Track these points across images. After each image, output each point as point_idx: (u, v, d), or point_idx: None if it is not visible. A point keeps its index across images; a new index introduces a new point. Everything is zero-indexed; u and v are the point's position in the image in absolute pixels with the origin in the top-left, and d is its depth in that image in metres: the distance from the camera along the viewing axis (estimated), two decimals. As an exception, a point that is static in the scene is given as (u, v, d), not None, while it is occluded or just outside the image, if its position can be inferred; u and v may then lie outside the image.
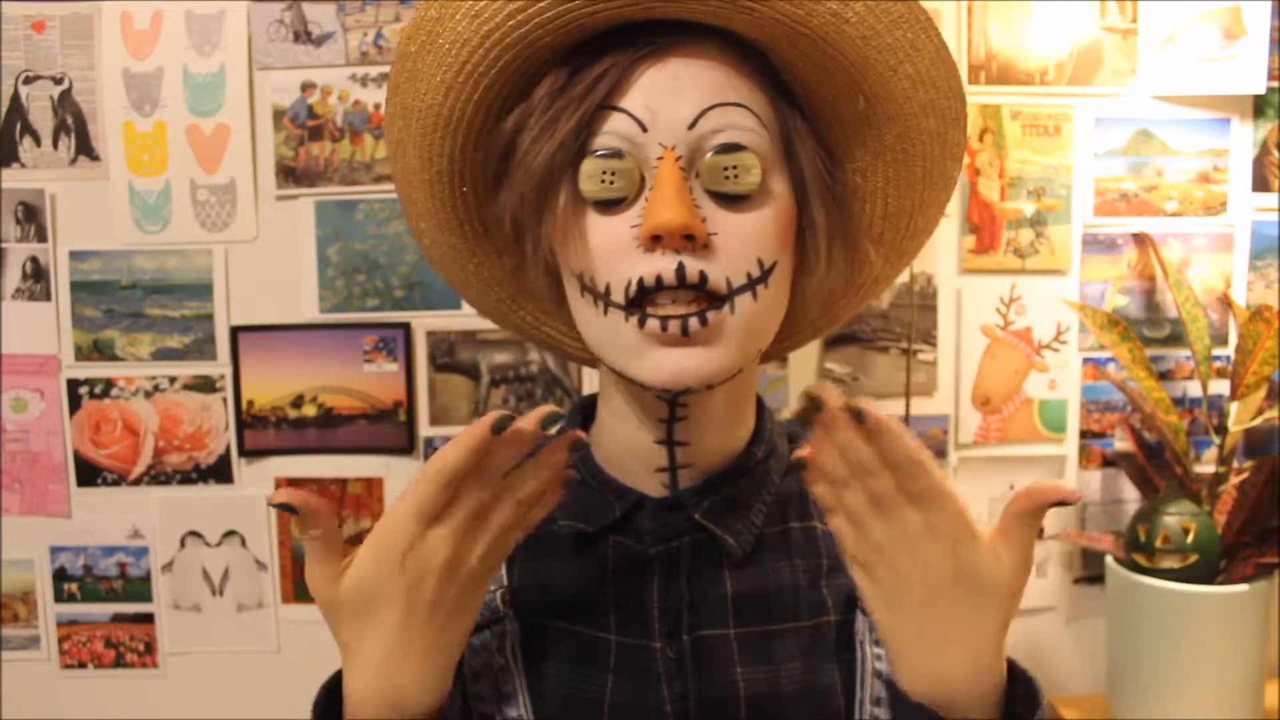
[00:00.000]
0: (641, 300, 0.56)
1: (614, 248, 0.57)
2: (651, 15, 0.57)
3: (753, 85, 0.59)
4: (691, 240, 0.55)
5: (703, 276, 0.55)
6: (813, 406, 0.53)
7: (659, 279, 0.55)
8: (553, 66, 0.59)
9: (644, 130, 0.56)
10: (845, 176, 0.64)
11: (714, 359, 0.57)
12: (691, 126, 0.56)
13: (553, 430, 0.56)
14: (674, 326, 0.55)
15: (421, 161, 0.64)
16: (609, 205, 0.57)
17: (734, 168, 0.56)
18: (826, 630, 0.64)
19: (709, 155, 0.57)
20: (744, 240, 0.57)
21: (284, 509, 0.52)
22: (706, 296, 0.56)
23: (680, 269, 0.55)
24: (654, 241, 0.55)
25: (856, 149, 0.64)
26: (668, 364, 0.56)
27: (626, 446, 0.66)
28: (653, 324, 0.56)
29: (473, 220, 0.67)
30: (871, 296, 0.72)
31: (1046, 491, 0.50)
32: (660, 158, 0.56)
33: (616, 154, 0.57)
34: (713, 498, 0.65)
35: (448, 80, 0.59)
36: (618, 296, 0.57)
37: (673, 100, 0.56)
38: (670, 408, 0.62)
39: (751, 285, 0.57)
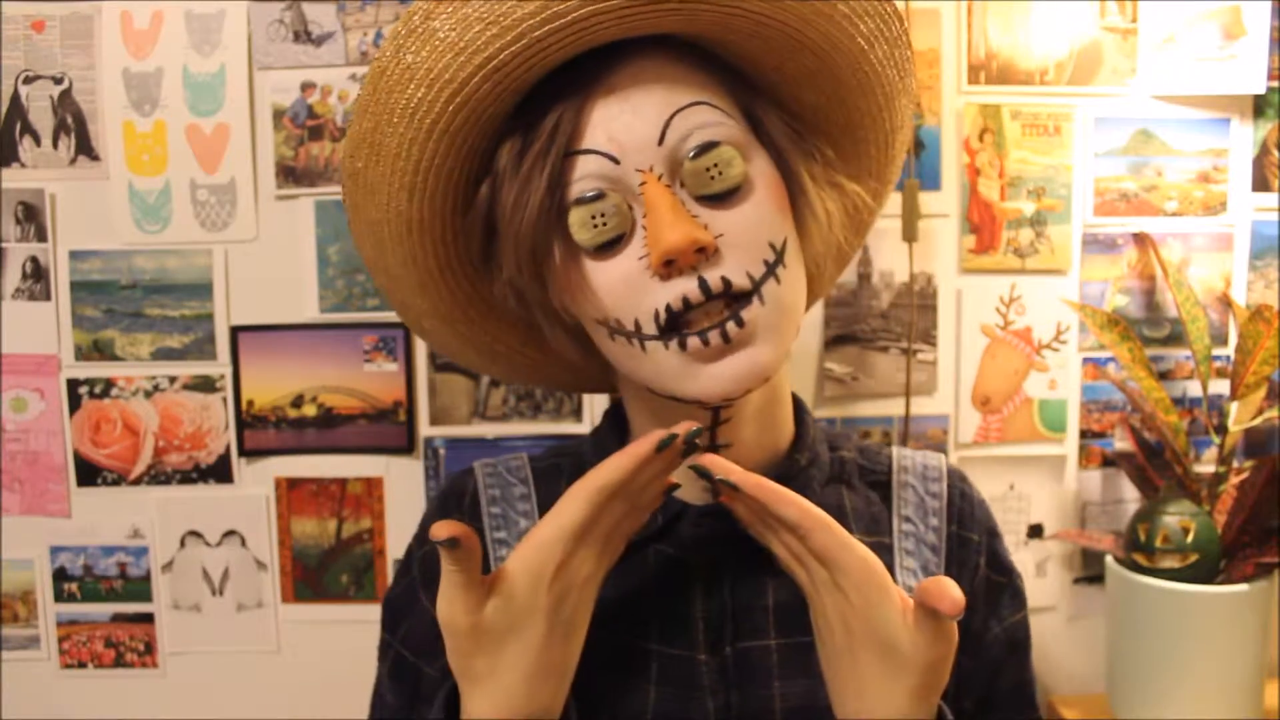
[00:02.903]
0: (674, 324, 0.55)
1: (627, 286, 0.56)
2: (583, 49, 0.56)
3: (703, 77, 0.58)
4: (702, 253, 0.54)
5: (726, 282, 0.55)
6: (703, 476, 0.55)
7: (685, 300, 0.54)
8: (506, 132, 0.58)
9: (616, 163, 0.55)
10: (814, 129, 0.64)
11: (761, 357, 0.56)
12: (660, 142, 0.55)
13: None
14: (715, 338, 0.55)
15: (404, 267, 0.63)
16: (608, 247, 0.56)
17: (715, 165, 0.56)
18: None
19: (687, 162, 0.56)
20: (750, 232, 0.56)
21: (449, 545, 0.51)
22: (735, 297, 0.55)
23: (703, 284, 0.54)
24: (668, 266, 0.54)
25: (817, 98, 0.63)
26: (719, 377, 0.56)
27: None
28: (694, 342, 0.55)
29: (476, 302, 0.66)
30: (869, 227, 0.73)
31: (935, 596, 0.49)
32: (642, 183, 0.55)
33: (599, 195, 0.55)
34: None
35: (407, 184, 0.58)
36: (649, 329, 0.56)
37: (633, 123, 0.55)
38: (714, 412, 0.61)
39: (772, 269, 0.57)
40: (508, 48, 0.53)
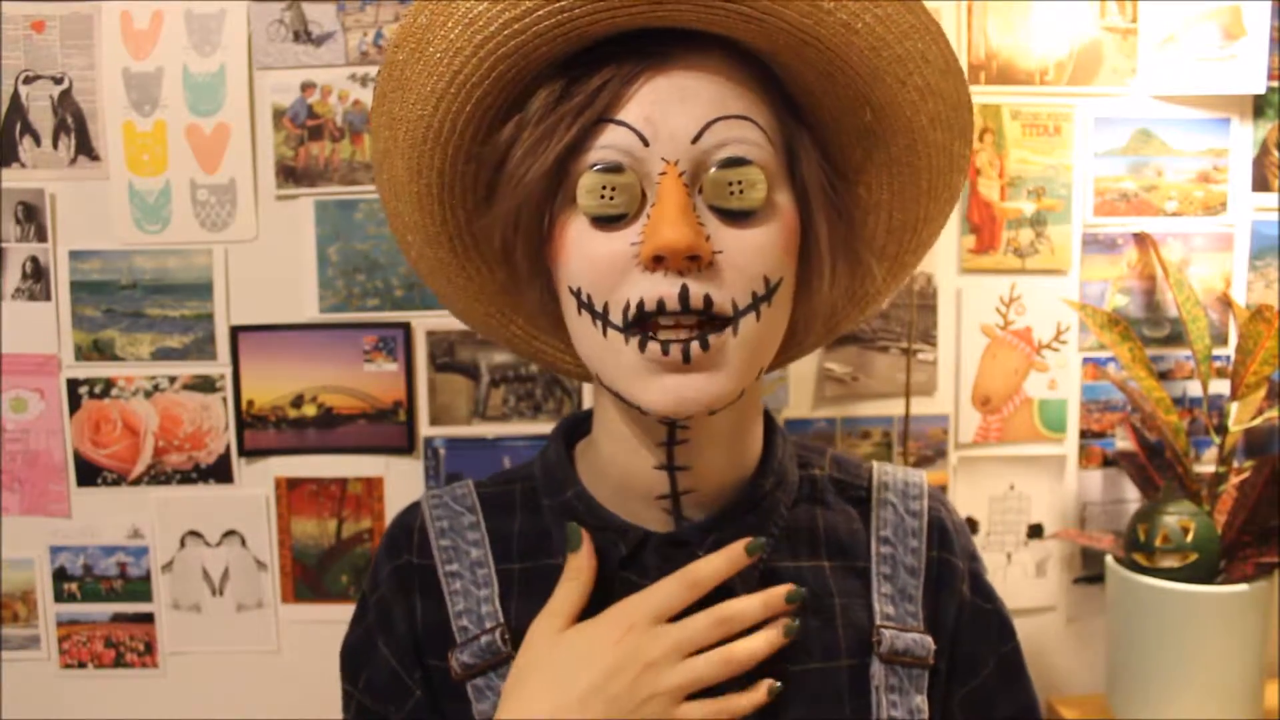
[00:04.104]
0: (642, 322, 0.54)
1: (612, 266, 0.55)
2: (653, 24, 0.55)
3: (757, 96, 0.57)
4: (695, 261, 0.53)
5: (708, 300, 0.54)
6: None
7: (661, 303, 0.53)
8: (548, 76, 0.57)
9: (645, 144, 0.54)
10: (849, 189, 0.63)
11: (716, 385, 0.55)
12: (695, 140, 0.54)
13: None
14: (675, 351, 0.53)
15: (409, 174, 0.61)
16: (608, 221, 0.55)
17: (739, 183, 0.54)
18: (838, 674, 0.62)
19: (713, 170, 0.55)
20: (750, 257, 0.55)
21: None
22: (710, 319, 0.54)
23: (684, 292, 0.53)
24: (656, 262, 0.53)
25: (862, 161, 0.62)
26: (670, 390, 0.54)
27: (625, 474, 0.64)
28: (654, 348, 0.54)
29: (463, 234, 0.65)
30: (872, 309, 0.71)
31: None
32: (663, 173, 0.54)
33: (617, 168, 0.55)
34: (718, 535, 0.62)
35: (438, 90, 0.57)
36: (616, 318, 0.55)
37: (675, 113, 0.54)
38: (670, 430, 0.60)
39: (755, 304, 0.56)
40: None
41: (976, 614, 0.68)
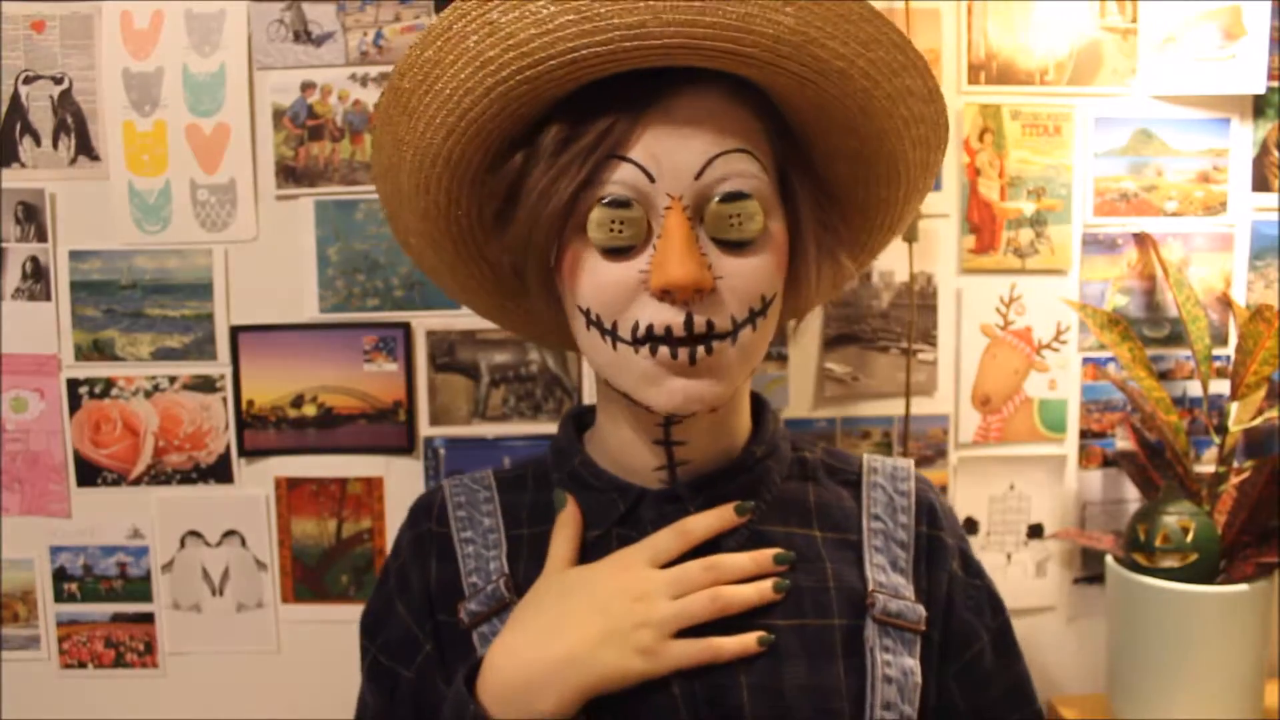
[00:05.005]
0: (649, 338, 0.59)
1: (621, 291, 0.60)
2: (660, 65, 0.58)
3: (754, 125, 0.61)
4: (699, 292, 0.58)
5: (709, 325, 0.59)
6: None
7: (668, 329, 0.59)
8: (556, 112, 0.61)
9: (651, 180, 0.58)
10: (835, 205, 0.68)
11: (718, 389, 0.61)
12: (697, 176, 0.58)
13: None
14: (683, 355, 0.59)
15: (416, 190, 0.65)
16: (618, 252, 0.59)
17: (738, 216, 0.59)
18: (830, 632, 0.65)
19: (714, 203, 0.59)
20: (748, 282, 0.60)
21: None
22: (713, 336, 0.60)
23: (689, 321, 0.58)
24: (664, 294, 0.58)
25: (847, 177, 0.68)
26: (676, 392, 0.60)
27: (626, 447, 0.69)
28: (664, 352, 0.59)
29: (466, 240, 0.69)
30: (842, 289, 0.80)
31: None
32: (668, 208, 0.58)
33: (625, 203, 0.59)
34: (710, 492, 0.67)
35: (450, 124, 0.60)
36: (625, 334, 0.60)
37: (679, 150, 0.58)
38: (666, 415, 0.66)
39: (752, 318, 0.61)
40: (593, 47, 0.55)
41: (968, 589, 0.72)
